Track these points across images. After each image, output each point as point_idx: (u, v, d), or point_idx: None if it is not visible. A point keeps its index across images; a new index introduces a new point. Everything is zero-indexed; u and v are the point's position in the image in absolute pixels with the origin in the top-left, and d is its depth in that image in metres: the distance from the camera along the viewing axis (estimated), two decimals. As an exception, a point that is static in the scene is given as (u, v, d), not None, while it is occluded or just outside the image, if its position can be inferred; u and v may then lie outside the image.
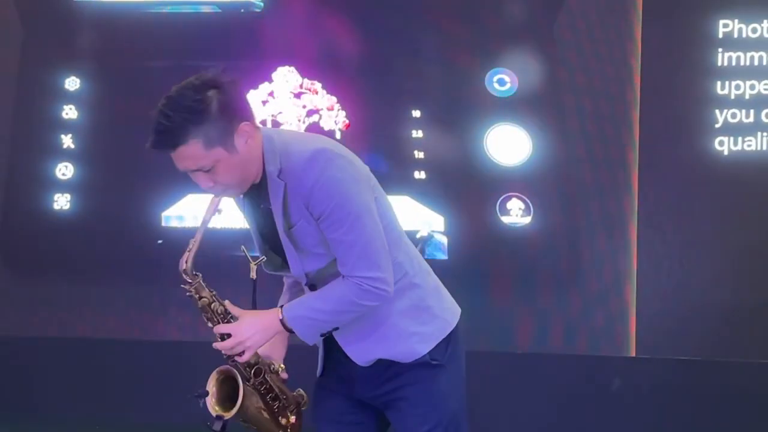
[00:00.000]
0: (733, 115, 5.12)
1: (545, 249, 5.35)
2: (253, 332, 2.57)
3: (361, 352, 2.63)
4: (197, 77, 2.50)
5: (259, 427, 2.71)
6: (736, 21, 5.08)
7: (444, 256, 5.19)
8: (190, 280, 2.63)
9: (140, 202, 5.62)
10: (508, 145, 5.33)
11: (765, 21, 5.05)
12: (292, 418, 2.75)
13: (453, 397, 2.73)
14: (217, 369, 2.65)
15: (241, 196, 2.62)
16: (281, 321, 2.57)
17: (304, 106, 5.41)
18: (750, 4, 5.09)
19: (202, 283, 2.64)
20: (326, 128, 5.41)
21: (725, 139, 5.13)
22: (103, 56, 5.64)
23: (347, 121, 5.29)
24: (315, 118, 5.48)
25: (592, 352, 5.34)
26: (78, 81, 5.64)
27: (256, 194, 2.60)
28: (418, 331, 2.65)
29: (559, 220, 5.34)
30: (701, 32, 5.14)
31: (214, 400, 2.64)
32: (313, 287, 2.62)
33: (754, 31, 5.08)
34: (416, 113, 5.18)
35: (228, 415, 2.61)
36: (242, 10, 5.47)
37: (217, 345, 2.60)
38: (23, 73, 5.73)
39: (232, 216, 5.01)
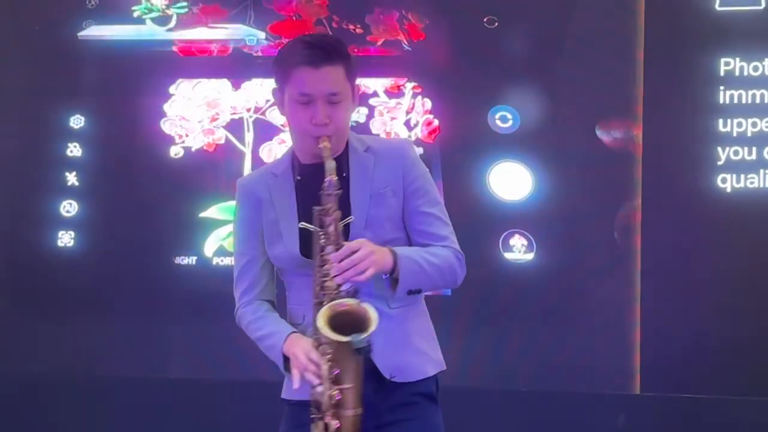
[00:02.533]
0: (736, 153, 5.10)
1: (548, 285, 5.29)
2: (375, 250, 2.45)
3: (387, 359, 2.55)
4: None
5: (350, 388, 2.43)
6: (738, 59, 5.09)
7: (447, 292, 5.13)
8: (333, 192, 2.50)
9: (145, 239, 5.57)
10: (511, 181, 5.31)
11: (766, 59, 5.05)
12: (360, 408, 2.50)
13: None
14: (327, 306, 2.42)
15: (298, 179, 2.62)
16: (393, 255, 2.48)
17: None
18: (751, 43, 5.10)
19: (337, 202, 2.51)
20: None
21: (728, 176, 5.11)
22: (108, 94, 5.64)
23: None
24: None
25: (596, 390, 5.25)
26: (82, 119, 5.63)
27: (319, 172, 2.54)
28: (428, 354, 2.68)
29: (563, 256, 5.30)
30: (703, 70, 5.13)
31: (328, 329, 2.39)
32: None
33: (756, 69, 5.08)
34: (419, 150, 5.15)
35: (365, 333, 2.37)
36: (245, 41, 5.50)
37: (346, 262, 2.40)
38: (28, 110, 5.73)
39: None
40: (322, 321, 2.38)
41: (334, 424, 2.43)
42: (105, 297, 5.54)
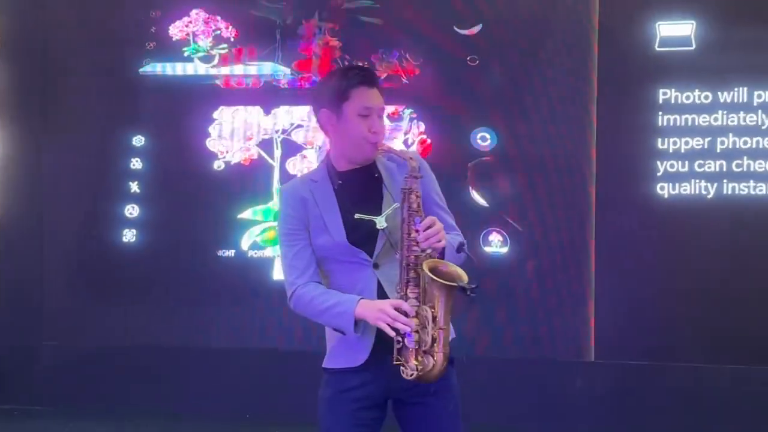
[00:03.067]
0: (672, 165, 5.39)
1: (520, 273, 5.54)
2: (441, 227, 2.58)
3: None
4: None
5: (445, 329, 2.54)
6: (673, 90, 5.38)
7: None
8: (416, 176, 2.64)
9: (193, 236, 5.89)
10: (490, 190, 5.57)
11: (696, 90, 5.35)
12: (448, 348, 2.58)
13: (458, 392, 2.77)
14: (424, 264, 2.53)
15: (340, 183, 2.70)
16: None
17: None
18: (684, 77, 5.35)
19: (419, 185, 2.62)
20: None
21: (665, 185, 5.40)
22: (163, 118, 5.98)
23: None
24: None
25: (557, 357, 5.52)
26: (143, 139, 6.00)
27: (365, 171, 2.73)
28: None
29: (531, 249, 5.55)
30: (645, 99, 5.40)
31: (437, 277, 2.50)
32: (376, 266, 2.66)
33: (688, 98, 5.38)
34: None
35: (463, 281, 2.49)
36: (274, 76, 5.78)
37: (431, 231, 2.52)
38: (100, 132, 6.04)
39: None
40: (427, 270, 2.49)
41: (432, 360, 2.51)
42: (161, 283, 5.94)
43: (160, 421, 5.75)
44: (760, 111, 5.36)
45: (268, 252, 5.88)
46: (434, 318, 2.48)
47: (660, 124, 5.44)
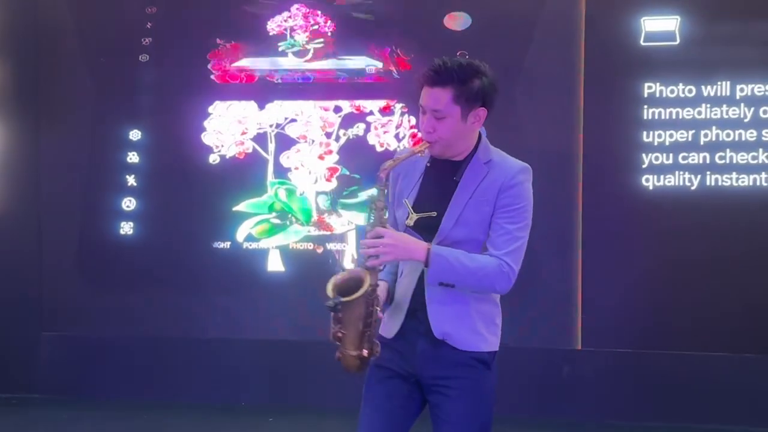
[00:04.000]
0: (656, 158, 5.45)
1: None
2: (397, 243, 2.62)
3: (441, 323, 2.70)
4: (475, 60, 2.73)
5: (346, 334, 2.63)
6: (658, 84, 5.44)
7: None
8: (382, 187, 2.67)
9: (189, 228, 5.93)
10: None
11: (680, 84, 5.42)
12: (365, 352, 2.65)
13: (491, 402, 2.76)
14: (349, 270, 2.67)
15: (428, 165, 2.75)
16: (427, 250, 2.63)
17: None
18: (668, 71, 5.41)
19: (385, 194, 2.68)
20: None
21: (650, 176, 5.46)
22: (159, 114, 5.99)
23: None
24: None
25: (545, 345, 5.58)
26: (139, 133, 6.00)
27: (450, 167, 2.73)
28: (483, 334, 2.74)
29: None
30: (631, 93, 5.45)
31: (332, 287, 2.61)
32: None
33: (672, 91, 5.45)
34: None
35: (345, 299, 2.57)
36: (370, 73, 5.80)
37: (369, 242, 2.61)
38: (96, 127, 6.01)
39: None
40: (329, 285, 2.62)
41: (365, 352, 2.64)
42: (157, 275, 5.95)
43: (156, 409, 5.79)
44: (742, 104, 5.42)
45: (263, 244, 5.92)
46: (338, 320, 2.60)
47: (645, 117, 5.49)
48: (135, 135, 6.06)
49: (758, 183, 5.43)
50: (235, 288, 5.91)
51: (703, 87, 5.45)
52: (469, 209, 2.69)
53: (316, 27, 5.77)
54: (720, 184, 5.44)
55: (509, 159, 2.78)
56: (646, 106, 5.49)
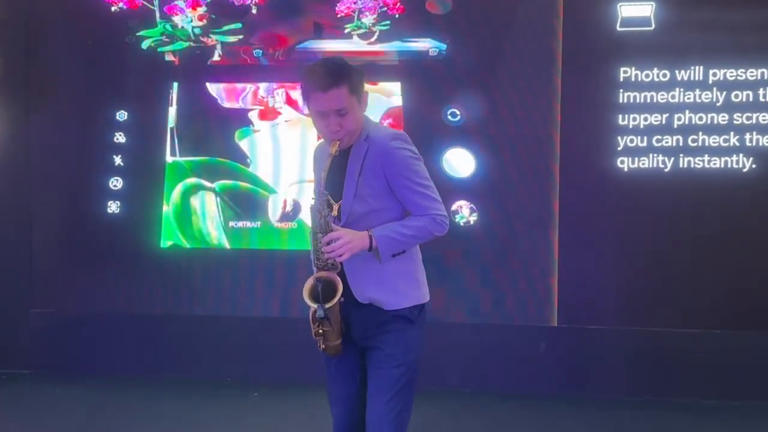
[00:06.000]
0: (631, 141, 5.44)
1: (488, 242, 5.57)
2: (352, 239, 2.81)
3: (363, 291, 2.93)
4: (341, 58, 2.96)
5: (329, 330, 2.87)
6: (633, 68, 5.43)
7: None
8: (321, 198, 2.84)
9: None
10: (459, 162, 5.60)
11: (655, 68, 5.40)
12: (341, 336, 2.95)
13: (417, 348, 3.01)
14: (314, 276, 2.86)
15: (335, 154, 2.86)
16: (369, 237, 2.83)
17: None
18: (643, 56, 5.40)
19: (330, 202, 2.85)
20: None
21: (625, 158, 5.46)
22: (146, 95, 5.94)
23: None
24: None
25: (523, 322, 5.59)
26: (126, 114, 5.95)
27: (346, 153, 2.90)
28: (405, 292, 2.97)
29: (498, 219, 5.60)
30: (607, 77, 5.44)
31: (308, 295, 2.84)
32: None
33: (647, 76, 5.43)
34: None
35: (328, 305, 2.80)
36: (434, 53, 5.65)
37: (329, 247, 2.79)
38: (85, 109, 5.99)
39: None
40: (305, 291, 2.85)
41: (323, 346, 2.96)
42: (143, 253, 5.92)
43: (143, 384, 5.79)
44: (714, 89, 5.41)
45: (249, 224, 5.90)
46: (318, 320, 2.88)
47: (621, 101, 5.49)
48: (122, 116, 6.02)
49: (729, 165, 5.43)
50: (211, 264, 5.92)
51: (676, 71, 5.44)
52: (362, 185, 2.87)
53: (384, 9, 5.64)
54: (693, 166, 5.44)
55: (382, 130, 2.96)
56: (621, 90, 5.48)
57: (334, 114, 2.81)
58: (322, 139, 3.03)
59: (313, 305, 2.82)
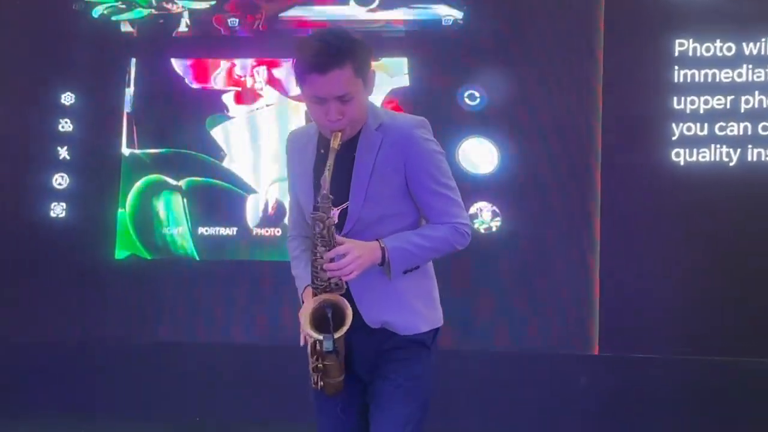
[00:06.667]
0: (689, 128, 5.22)
1: (512, 252, 5.39)
2: (362, 254, 2.62)
3: (374, 314, 2.71)
4: (332, 27, 2.77)
5: (331, 364, 2.69)
6: (691, 40, 5.21)
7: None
8: (324, 203, 2.62)
9: None
10: (478, 155, 5.39)
11: (717, 40, 5.17)
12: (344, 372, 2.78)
13: (431, 380, 2.83)
14: (319, 299, 2.64)
15: (321, 152, 2.69)
16: (382, 249, 2.64)
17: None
18: (703, 24, 5.21)
19: (331, 209, 2.65)
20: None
21: (681, 150, 5.23)
22: (98, 73, 5.71)
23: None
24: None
25: (558, 351, 5.33)
26: (73, 96, 5.69)
27: (346, 146, 2.68)
28: (423, 313, 2.77)
29: (525, 225, 5.39)
30: (658, 51, 5.25)
31: (310, 325, 2.63)
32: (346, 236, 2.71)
33: (708, 49, 5.20)
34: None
35: (337, 335, 2.60)
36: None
37: (334, 264, 2.60)
38: (23, 90, 5.76)
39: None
40: (306, 317, 2.61)
41: (321, 384, 2.71)
42: (93, 267, 5.59)
43: (94, 427, 5.50)
44: (791, 65, 5.30)
45: (223, 231, 5.73)
46: (319, 351, 2.66)
47: (676, 80, 5.27)
48: (68, 98, 5.74)
49: (809, 158, 5.35)
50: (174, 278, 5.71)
51: (744, 44, 5.21)
52: (375, 183, 2.69)
53: None
54: (764, 159, 5.19)
55: (399, 117, 2.83)
56: (677, 67, 5.25)
57: (334, 100, 2.60)
58: (298, 127, 2.97)
59: (318, 336, 2.60)
